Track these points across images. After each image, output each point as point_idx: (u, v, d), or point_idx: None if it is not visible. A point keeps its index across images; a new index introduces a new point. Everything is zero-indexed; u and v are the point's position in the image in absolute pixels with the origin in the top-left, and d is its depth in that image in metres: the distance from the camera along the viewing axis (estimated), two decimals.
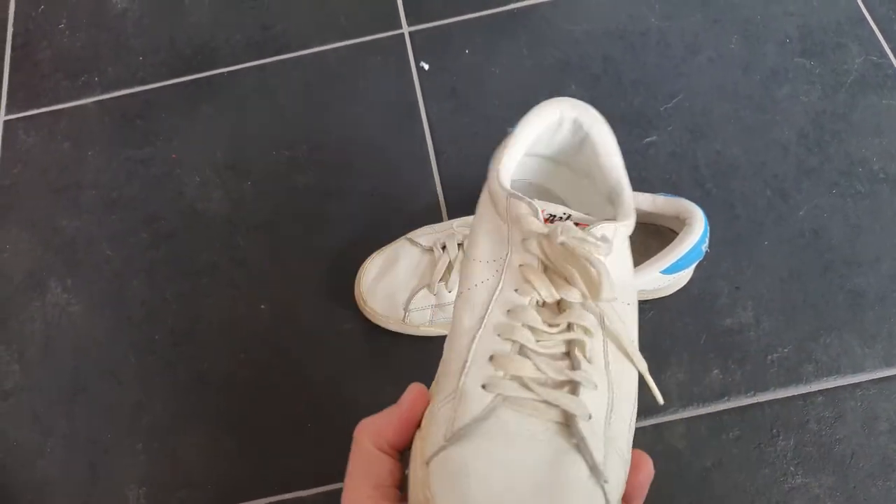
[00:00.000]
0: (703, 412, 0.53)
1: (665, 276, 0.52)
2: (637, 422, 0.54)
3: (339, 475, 0.55)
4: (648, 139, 0.64)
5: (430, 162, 0.65)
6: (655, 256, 0.50)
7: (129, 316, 0.60)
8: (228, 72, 0.71)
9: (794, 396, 0.53)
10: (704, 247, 0.51)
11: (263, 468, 0.53)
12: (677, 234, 0.51)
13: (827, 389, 0.54)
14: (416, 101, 0.68)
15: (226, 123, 0.68)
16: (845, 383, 0.54)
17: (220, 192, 0.65)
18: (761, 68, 0.66)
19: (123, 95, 0.71)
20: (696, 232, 0.50)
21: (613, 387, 0.27)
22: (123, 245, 0.63)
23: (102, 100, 0.70)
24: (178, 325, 0.59)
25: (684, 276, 0.56)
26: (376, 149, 0.66)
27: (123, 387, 0.57)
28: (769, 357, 0.55)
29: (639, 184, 0.62)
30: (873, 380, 0.54)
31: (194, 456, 0.54)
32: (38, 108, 0.70)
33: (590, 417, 0.25)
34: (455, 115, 0.67)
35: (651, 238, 0.55)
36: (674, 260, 0.50)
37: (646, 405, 0.54)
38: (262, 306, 0.59)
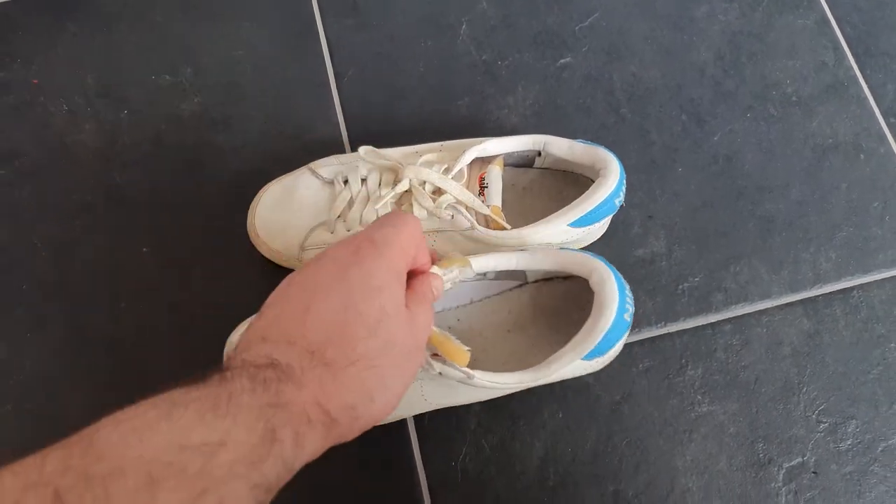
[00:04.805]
0: None
1: (574, 230, 0.47)
2: None
3: None
4: (563, 61, 0.60)
5: (329, 85, 0.59)
6: (563, 209, 0.46)
7: None
8: None
9: (703, 326, 0.53)
10: (618, 200, 0.48)
11: None
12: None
13: (735, 317, 0.54)
14: (314, 17, 0.61)
15: (96, 44, 0.60)
16: (752, 310, 0.54)
17: (93, 122, 0.57)
18: None
19: None
20: (610, 184, 0.46)
21: None
22: None
23: None
24: (49, 275, 0.53)
25: (596, 231, 0.52)
26: (269, 71, 0.59)
27: None
28: (680, 287, 0.54)
29: (552, 111, 0.58)
30: (778, 306, 0.54)
31: (74, 418, 0.49)
32: None
33: None
34: (357, 33, 0.61)
35: (569, 187, 0.51)
36: (583, 213, 0.46)
37: None
38: (145, 249, 0.53)
